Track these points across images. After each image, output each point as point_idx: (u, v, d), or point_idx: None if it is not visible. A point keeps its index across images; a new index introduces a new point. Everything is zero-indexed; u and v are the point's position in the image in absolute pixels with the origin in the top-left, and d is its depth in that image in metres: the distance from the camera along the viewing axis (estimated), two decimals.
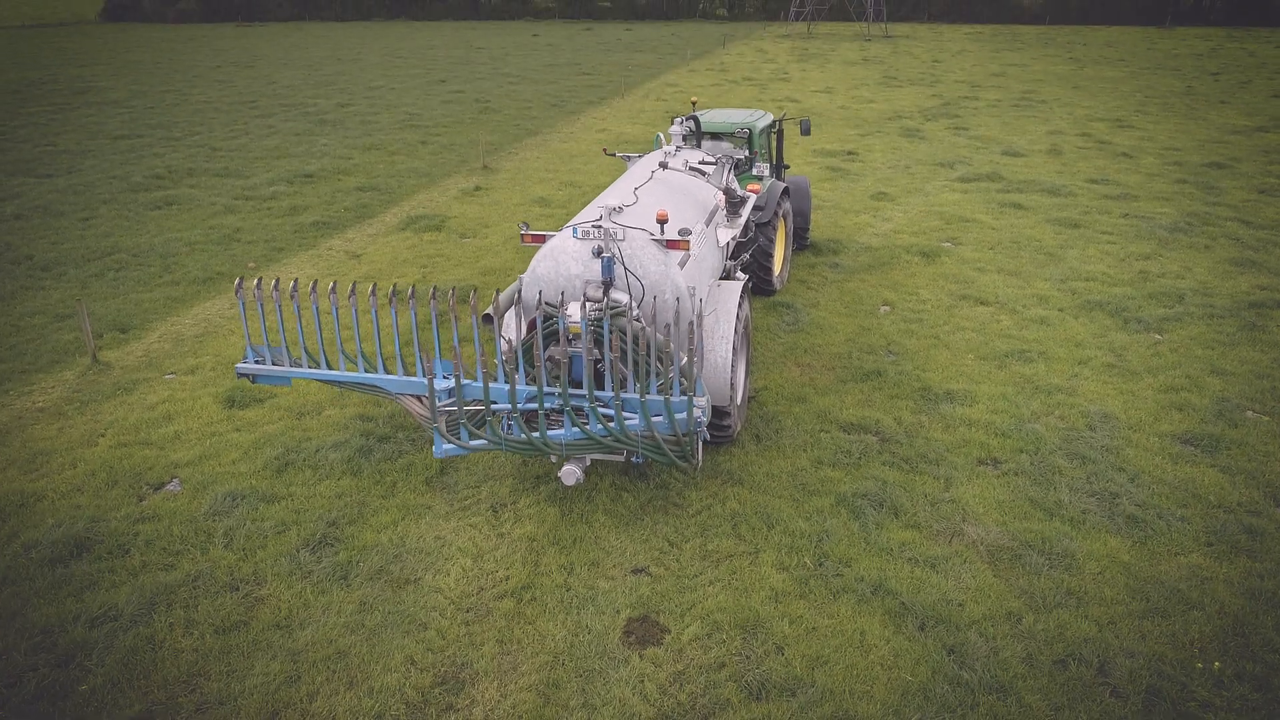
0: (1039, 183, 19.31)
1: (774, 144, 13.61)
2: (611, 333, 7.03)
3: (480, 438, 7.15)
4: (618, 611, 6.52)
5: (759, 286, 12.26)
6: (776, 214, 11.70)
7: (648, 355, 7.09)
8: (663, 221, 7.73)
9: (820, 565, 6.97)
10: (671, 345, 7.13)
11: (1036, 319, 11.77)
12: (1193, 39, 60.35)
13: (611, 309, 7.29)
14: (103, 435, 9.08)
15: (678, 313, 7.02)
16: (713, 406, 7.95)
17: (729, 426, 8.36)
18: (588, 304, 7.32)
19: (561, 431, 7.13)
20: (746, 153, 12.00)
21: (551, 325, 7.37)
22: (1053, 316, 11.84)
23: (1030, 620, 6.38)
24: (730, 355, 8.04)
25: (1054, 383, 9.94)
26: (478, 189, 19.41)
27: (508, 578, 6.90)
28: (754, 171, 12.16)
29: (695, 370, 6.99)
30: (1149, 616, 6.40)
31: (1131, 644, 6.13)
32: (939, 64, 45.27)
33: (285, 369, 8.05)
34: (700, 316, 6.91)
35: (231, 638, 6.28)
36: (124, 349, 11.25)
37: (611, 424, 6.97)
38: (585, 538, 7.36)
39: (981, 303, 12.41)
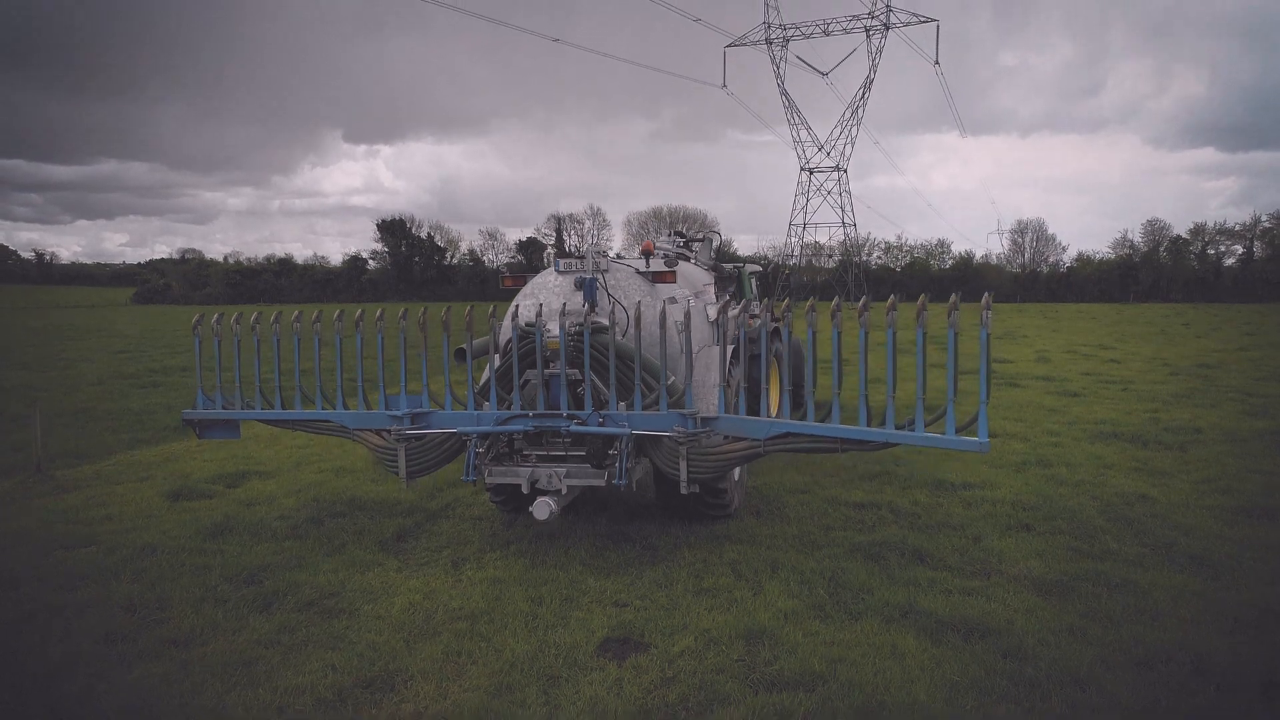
0: (1031, 374, 19.28)
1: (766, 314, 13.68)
2: (598, 351, 6.55)
3: None
4: (593, 632, 5.34)
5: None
6: (768, 349, 11.42)
7: (631, 370, 6.52)
8: (648, 253, 7.48)
9: (834, 595, 5.85)
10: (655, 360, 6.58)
11: (1050, 443, 11.08)
12: (1157, 307, 63.94)
13: (593, 326, 6.80)
14: (23, 518, 8.09)
15: (663, 318, 6.53)
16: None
17: (725, 491, 7.47)
18: (567, 320, 6.83)
19: None
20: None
21: (529, 344, 6.83)
22: (1067, 442, 11.16)
23: (1098, 631, 5.21)
24: (719, 402, 7.38)
25: (1080, 478, 9.09)
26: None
27: (463, 607, 5.75)
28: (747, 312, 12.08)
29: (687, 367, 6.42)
30: (1241, 631, 5.24)
31: (1230, 648, 4.95)
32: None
33: (236, 412, 7.37)
34: (689, 319, 6.44)
35: (114, 647, 5.07)
36: (75, 470, 10.42)
37: None
38: (558, 579, 6.26)
39: (991, 435, 11.73)
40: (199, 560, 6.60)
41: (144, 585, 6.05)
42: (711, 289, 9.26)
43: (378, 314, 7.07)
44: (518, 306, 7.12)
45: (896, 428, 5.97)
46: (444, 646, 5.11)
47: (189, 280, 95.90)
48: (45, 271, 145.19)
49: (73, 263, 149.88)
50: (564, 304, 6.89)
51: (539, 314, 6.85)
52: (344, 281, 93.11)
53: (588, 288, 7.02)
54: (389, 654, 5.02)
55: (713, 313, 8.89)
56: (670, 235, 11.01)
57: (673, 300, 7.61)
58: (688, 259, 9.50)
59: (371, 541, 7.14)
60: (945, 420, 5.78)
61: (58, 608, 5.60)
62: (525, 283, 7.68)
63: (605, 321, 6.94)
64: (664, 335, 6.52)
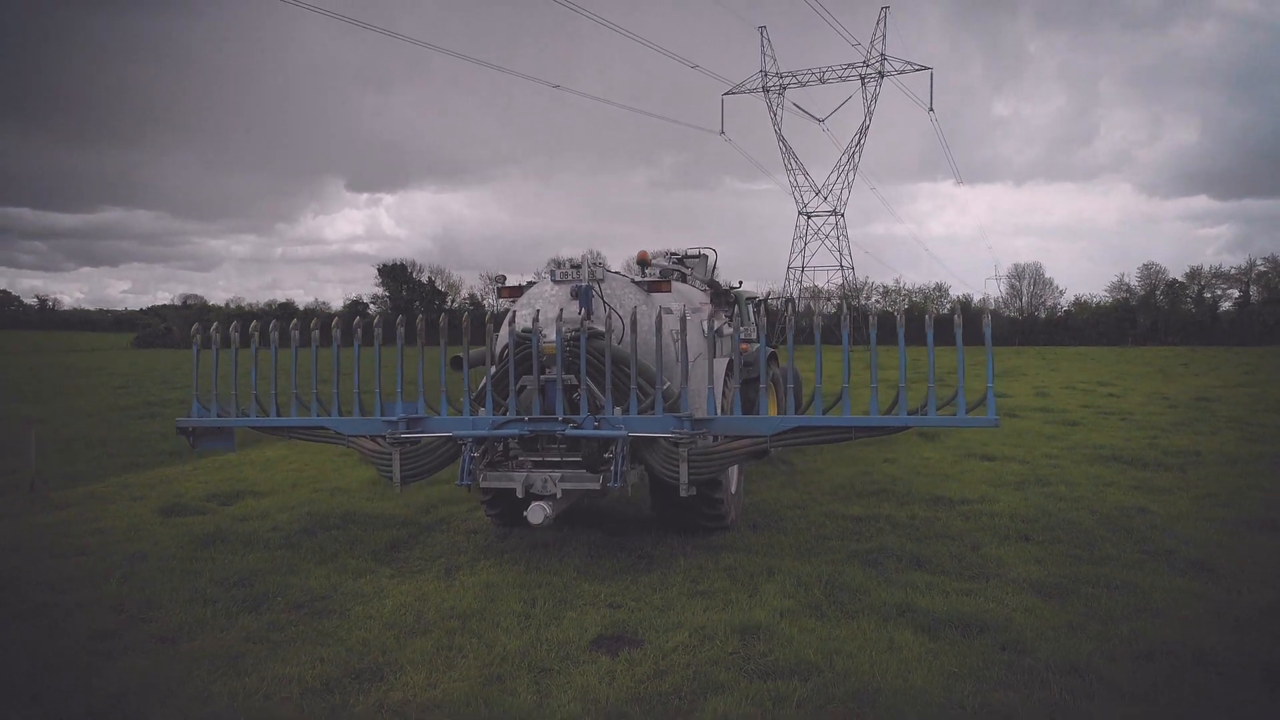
0: (1029, 405, 19.25)
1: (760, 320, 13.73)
2: (593, 356, 6.58)
3: None
4: (585, 629, 5.27)
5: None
6: (765, 374, 11.44)
7: (627, 374, 6.55)
8: (644, 263, 7.54)
9: (831, 596, 5.78)
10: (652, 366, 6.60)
11: (1049, 465, 11.02)
12: (1155, 350, 64.02)
13: (589, 331, 6.83)
14: (13, 530, 8.02)
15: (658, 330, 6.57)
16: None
17: (721, 500, 7.42)
18: (563, 325, 6.87)
19: None
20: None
21: (525, 350, 6.85)
22: (1066, 464, 11.10)
23: (1098, 628, 5.14)
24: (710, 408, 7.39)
25: (1079, 495, 9.03)
26: None
27: (455, 607, 5.68)
28: (743, 334, 12.12)
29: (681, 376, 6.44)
30: (1243, 629, 5.17)
31: (1232, 641, 4.88)
32: (918, 361, 47.52)
33: (231, 419, 7.37)
34: (684, 323, 6.49)
35: (101, 643, 5.01)
36: (69, 491, 10.35)
37: None
38: (552, 583, 6.19)
39: (989, 459, 11.71)
40: (189, 566, 6.54)
41: (133, 587, 5.99)
42: (708, 307, 9.29)
43: (375, 320, 7.11)
44: (514, 314, 7.16)
45: (909, 413, 6.10)
46: (435, 642, 5.05)
47: (190, 324, 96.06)
48: (47, 317, 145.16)
49: (74, 309, 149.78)
50: (559, 310, 6.93)
51: (535, 320, 6.89)
52: (345, 326, 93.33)
53: (584, 296, 7.07)
54: (379, 648, 4.95)
55: (708, 327, 8.93)
56: (666, 255, 11.10)
57: (668, 310, 7.65)
58: (684, 277, 9.55)
59: (364, 551, 7.08)
60: (956, 403, 5.89)
61: (45, 607, 5.54)
62: (521, 293, 7.73)
63: (601, 328, 6.98)
64: (659, 341, 6.56)
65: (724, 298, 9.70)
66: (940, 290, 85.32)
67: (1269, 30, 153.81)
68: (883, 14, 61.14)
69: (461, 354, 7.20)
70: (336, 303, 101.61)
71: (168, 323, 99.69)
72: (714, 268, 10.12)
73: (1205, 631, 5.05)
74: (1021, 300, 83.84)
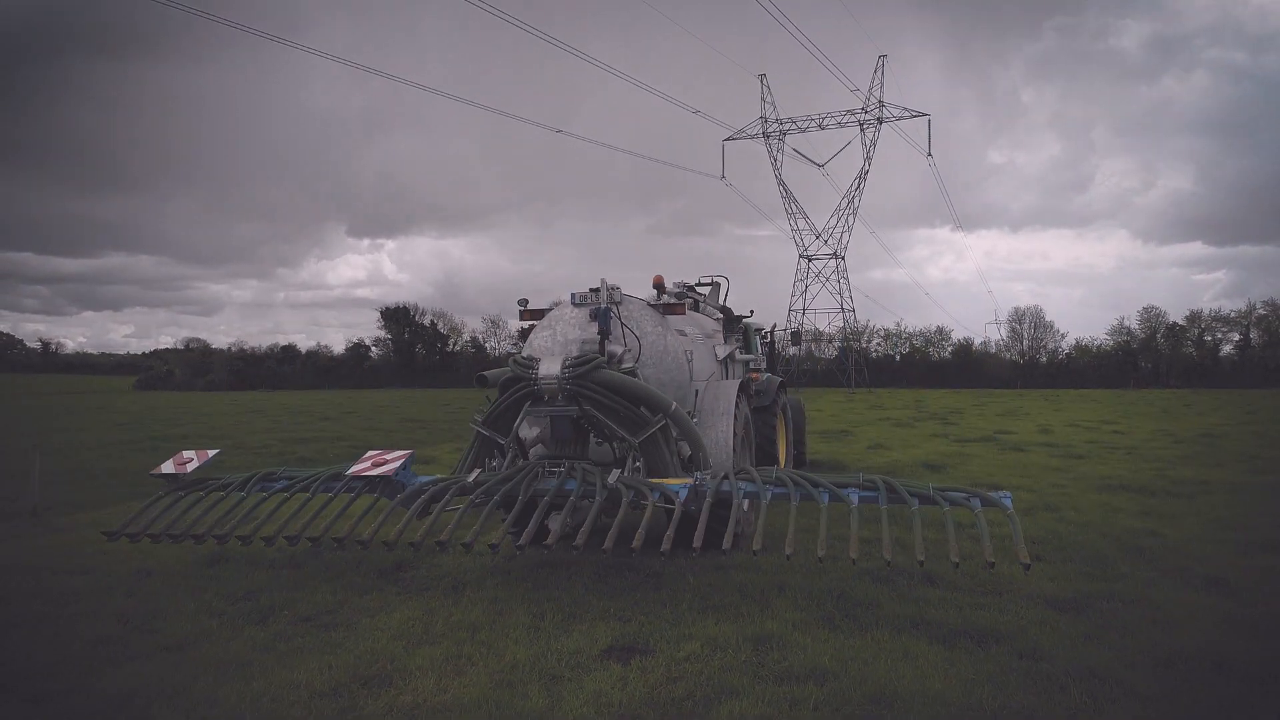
0: (1035, 442, 19.19)
1: (770, 350, 13.80)
2: (594, 387, 6.47)
3: None
4: (596, 640, 5.21)
5: None
6: (776, 401, 11.47)
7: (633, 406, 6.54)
8: (659, 286, 7.61)
9: (843, 609, 5.72)
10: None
11: (1057, 493, 10.97)
12: (1157, 393, 63.98)
13: (599, 363, 6.80)
14: (16, 551, 7.97)
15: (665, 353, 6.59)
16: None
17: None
18: (576, 347, 6.89)
19: None
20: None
21: (522, 388, 6.76)
22: (1074, 492, 11.05)
23: (1115, 638, 5.08)
24: (730, 429, 7.40)
25: (1088, 520, 8.97)
26: None
27: (463, 619, 5.62)
28: (751, 365, 12.16)
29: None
30: (1262, 638, 5.11)
31: (1251, 648, 4.82)
32: (921, 402, 47.52)
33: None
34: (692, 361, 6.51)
35: (104, 649, 4.94)
36: (73, 517, 10.30)
37: None
38: (561, 599, 6.13)
39: (996, 488, 11.64)
40: (194, 583, 6.48)
41: (138, 600, 5.93)
42: (720, 334, 9.34)
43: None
44: (524, 331, 7.18)
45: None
46: (444, 651, 4.99)
47: (192, 367, 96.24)
48: (49, 360, 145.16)
49: (77, 353, 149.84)
50: (581, 345, 6.96)
51: (529, 354, 6.90)
52: (346, 369, 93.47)
53: (602, 318, 7.10)
54: (387, 656, 4.89)
55: (721, 352, 8.97)
56: (676, 284, 11.17)
57: (682, 333, 7.69)
58: (697, 304, 9.60)
59: (369, 570, 7.02)
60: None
61: (48, 618, 5.48)
62: (543, 316, 7.74)
63: (619, 351, 6.99)
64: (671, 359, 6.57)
65: (735, 324, 9.75)
66: (941, 333, 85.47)
67: (1257, 80, 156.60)
68: (880, 62, 62.32)
69: (487, 373, 7.22)
70: (338, 347, 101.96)
71: (170, 366, 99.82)
72: (726, 295, 10.19)
73: (1224, 641, 4.98)
74: (1022, 344, 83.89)
